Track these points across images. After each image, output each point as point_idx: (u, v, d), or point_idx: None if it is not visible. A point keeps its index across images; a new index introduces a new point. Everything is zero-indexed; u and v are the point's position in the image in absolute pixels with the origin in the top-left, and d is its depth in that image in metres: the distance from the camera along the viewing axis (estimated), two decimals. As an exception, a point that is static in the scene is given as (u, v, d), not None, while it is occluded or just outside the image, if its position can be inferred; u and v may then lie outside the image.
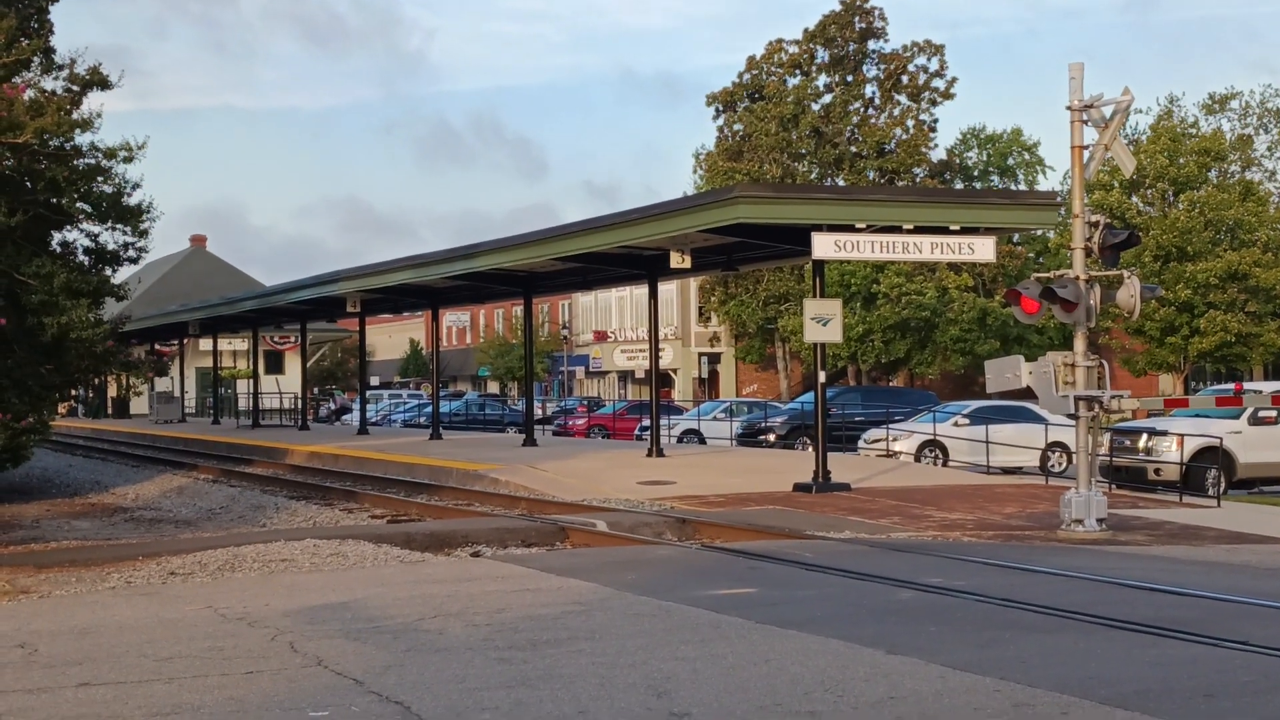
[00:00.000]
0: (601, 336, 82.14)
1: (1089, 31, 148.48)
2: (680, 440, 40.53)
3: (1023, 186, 75.84)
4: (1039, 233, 61.31)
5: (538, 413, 46.63)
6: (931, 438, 31.57)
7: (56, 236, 24.69)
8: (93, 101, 22.90)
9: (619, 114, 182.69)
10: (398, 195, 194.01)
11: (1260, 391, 24.87)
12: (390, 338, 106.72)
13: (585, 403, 61.49)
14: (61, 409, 38.67)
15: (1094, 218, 16.83)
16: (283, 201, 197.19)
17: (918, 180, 67.32)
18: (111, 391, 68.16)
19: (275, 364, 75.29)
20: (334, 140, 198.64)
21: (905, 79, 68.81)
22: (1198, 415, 25.90)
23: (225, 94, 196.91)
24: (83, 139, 23.06)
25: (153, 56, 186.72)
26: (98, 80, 23.09)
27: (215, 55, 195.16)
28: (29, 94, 21.47)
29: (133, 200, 24.60)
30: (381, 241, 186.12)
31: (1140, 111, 61.77)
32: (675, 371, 77.06)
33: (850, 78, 69.02)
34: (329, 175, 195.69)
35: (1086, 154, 16.90)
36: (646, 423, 35.47)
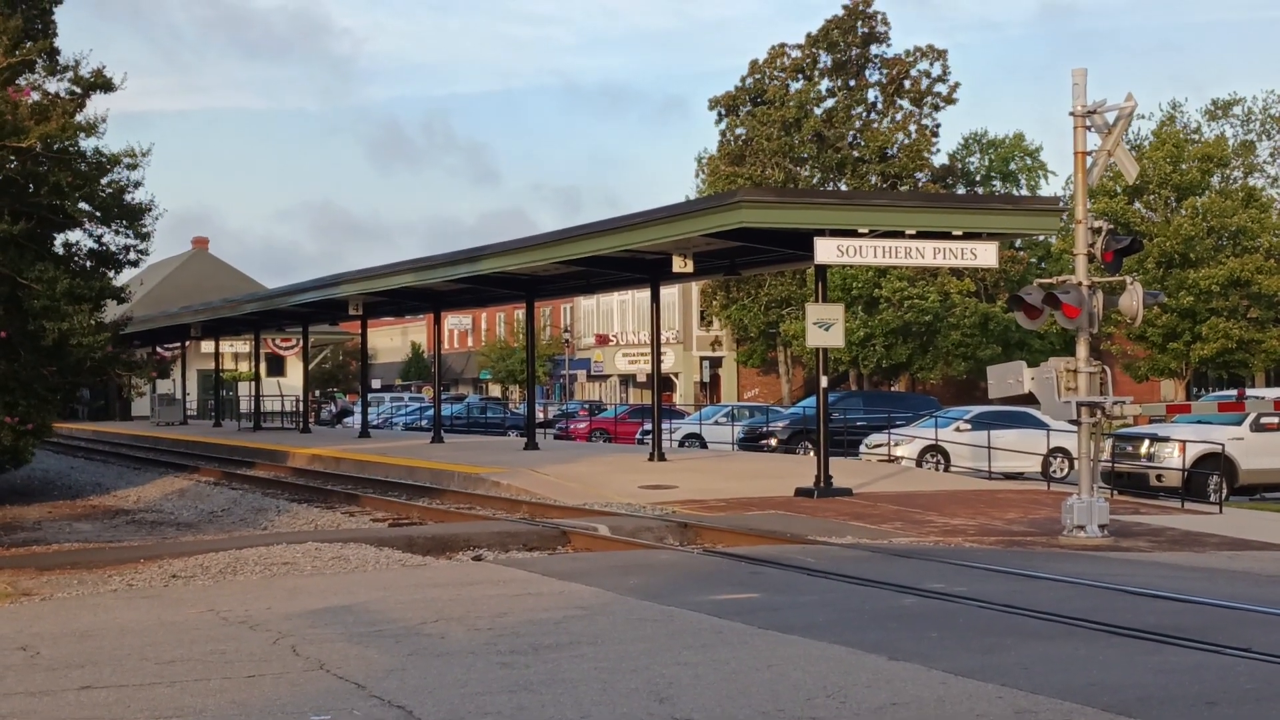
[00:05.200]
0: (603, 340, 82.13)
1: (1004, 44, 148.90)
2: (682, 444, 40.50)
3: (1025, 192, 75.76)
4: (1041, 238, 61.29)
5: (539, 416, 46.59)
6: (933, 443, 31.56)
7: (59, 238, 24.68)
8: (97, 105, 22.89)
9: (565, 121, 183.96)
10: (371, 200, 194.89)
11: (1263, 398, 24.85)
12: (392, 340, 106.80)
13: (587, 406, 61.54)
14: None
15: (1097, 223, 16.84)
16: (259, 206, 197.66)
17: (920, 185, 67.31)
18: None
19: (277, 366, 75.34)
20: (299, 145, 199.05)
21: (908, 84, 68.79)
22: (1200, 421, 25.90)
23: (179, 98, 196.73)
24: (87, 144, 23.04)
25: (95, 60, 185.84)
26: (101, 82, 23.05)
27: (164, 60, 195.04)
28: (33, 96, 21.45)
29: (135, 198, 24.59)
30: (356, 245, 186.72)
31: (1143, 117, 61.79)
32: (677, 375, 77.06)
33: (853, 82, 69.01)
34: (301, 180, 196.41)
35: (1089, 160, 16.91)
36: (648, 426, 35.47)
